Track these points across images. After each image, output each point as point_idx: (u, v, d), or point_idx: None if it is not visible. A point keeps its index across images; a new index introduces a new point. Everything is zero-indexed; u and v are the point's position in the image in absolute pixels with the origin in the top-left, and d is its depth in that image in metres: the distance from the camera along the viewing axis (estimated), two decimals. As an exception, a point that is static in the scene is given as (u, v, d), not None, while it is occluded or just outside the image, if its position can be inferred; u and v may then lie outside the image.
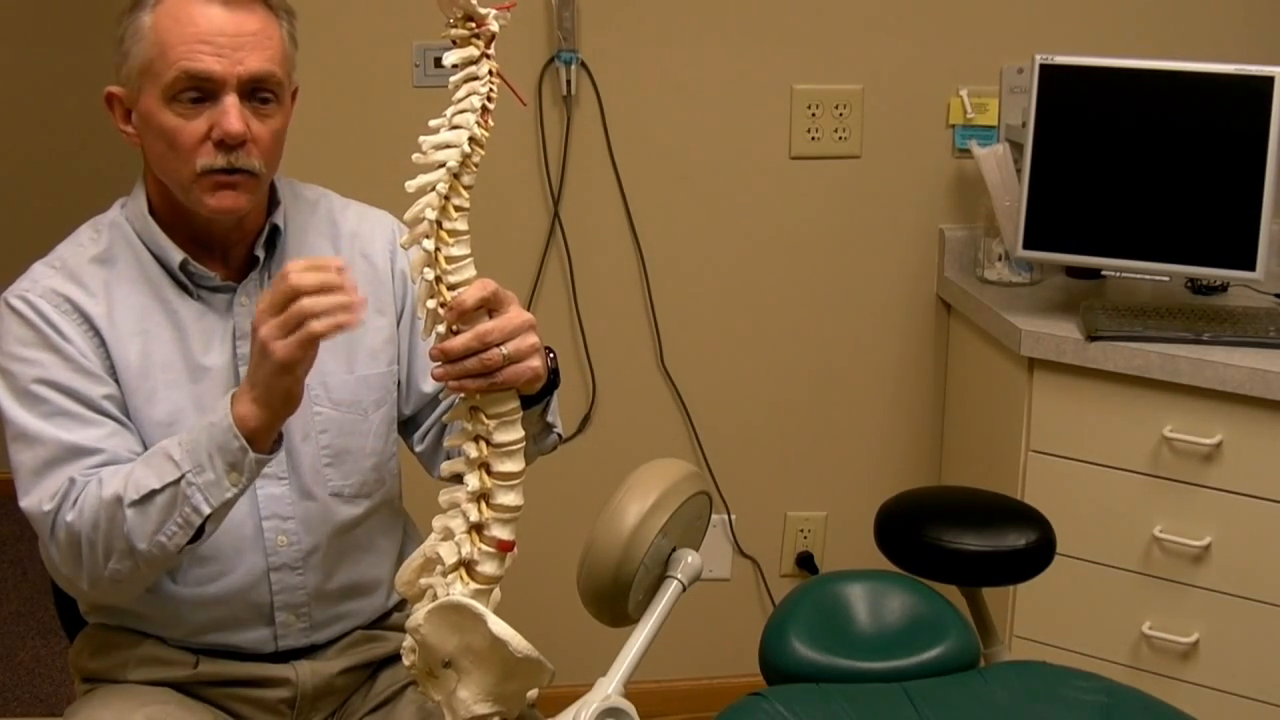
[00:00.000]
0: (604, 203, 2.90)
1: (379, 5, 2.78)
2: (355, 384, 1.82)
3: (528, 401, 1.63)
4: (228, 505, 1.63)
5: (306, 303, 1.50)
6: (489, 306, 1.54)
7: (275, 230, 1.79)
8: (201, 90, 1.64)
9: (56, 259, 1.75)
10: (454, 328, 1.53)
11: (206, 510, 1.60)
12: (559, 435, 1.87)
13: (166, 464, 1.60)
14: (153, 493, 1.59)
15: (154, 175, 1.74)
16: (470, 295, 1.52)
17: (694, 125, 2.91)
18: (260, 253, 1.77)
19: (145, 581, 1.69)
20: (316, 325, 1.50)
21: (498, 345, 1.53)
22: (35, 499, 1.65)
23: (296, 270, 1.51)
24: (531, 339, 1.56)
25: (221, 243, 1.76)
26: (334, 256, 1.50)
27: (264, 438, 1.60)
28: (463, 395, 1.56)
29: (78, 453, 1.65)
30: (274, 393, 1.56)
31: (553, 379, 1.71)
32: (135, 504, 1.60)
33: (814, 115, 2.93)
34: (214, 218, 1.70)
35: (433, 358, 1.54)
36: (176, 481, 1.59)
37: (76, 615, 1.87)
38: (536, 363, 1.57)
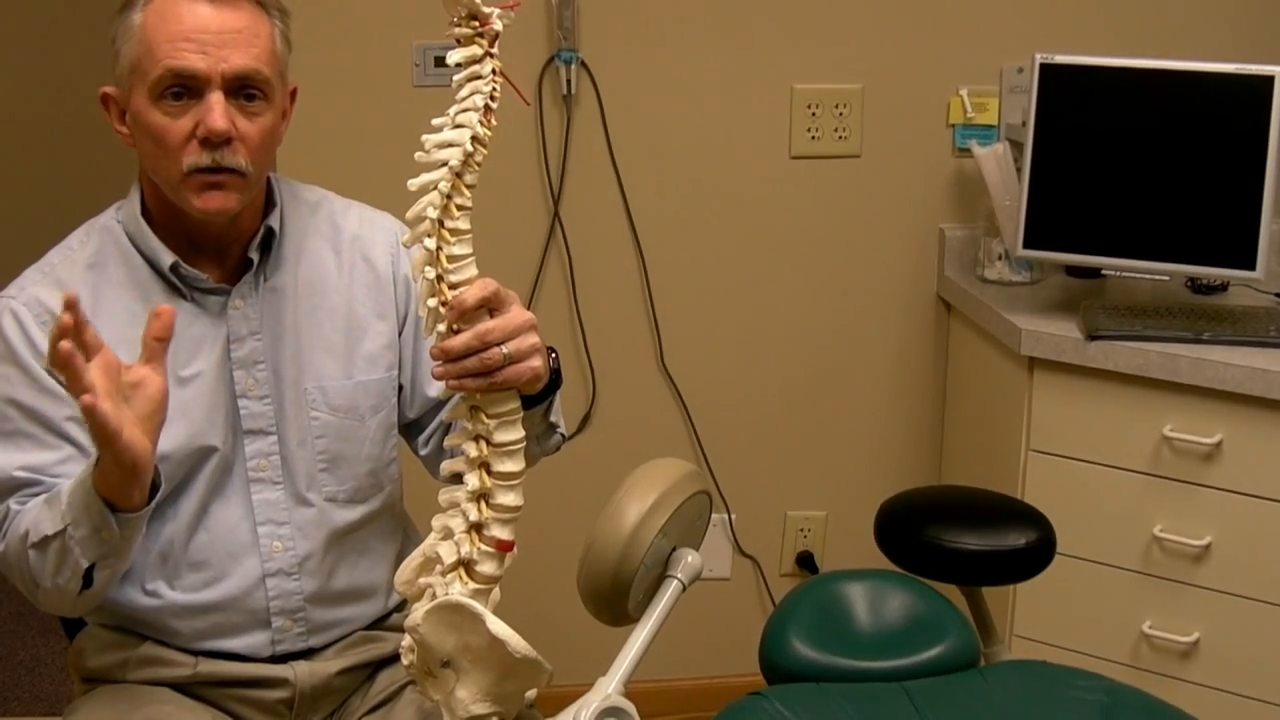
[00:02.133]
0: (604, 202, 2.90)
1: (379, 5, 2.78)
2: (353, 389, 1.81)
3: (530, 402, 1.63)
4: (117, 554, 1.61)
5: (63, 365, 1.43)
6: (490, 306, 1.54)
7: (270, 232, 1.78)
8: (186, 88, 1.64)
9: (46, 264, 1.75)
10: (455, 327, 1.53)
11: (85, 564, 1.59)
12: (562, 435, 1.86)
13: (56, 512, 1.59)
14: (46, 539, 1.59)
15: (148, 176, 1.74)
16: (471, 294, 1.51)
17: (694, 125, 2.91)
18: (254, 255, 1.77)
19: (85, 602, 1.67)
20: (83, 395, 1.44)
21: (498, 344, 1.53)
22: None
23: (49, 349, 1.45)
24: (533, 339, 1.56)
25: (215, 244, 1.75)
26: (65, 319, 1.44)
27: (123, 499, 1.55)
28: (463, 394, 1.56)
29: (19, 485, 1.66)
30: (105, 455, 1.50)
31: (555, 379, 1.71)
32: (35, 546, 1.60)
33: (814, 115, 2.93)
34: (204, 219, 1.69)
35: (433, 356, 1.54)
36: (61, 533, 1.58)
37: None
38: (537, 362, 1.57)
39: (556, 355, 1.70)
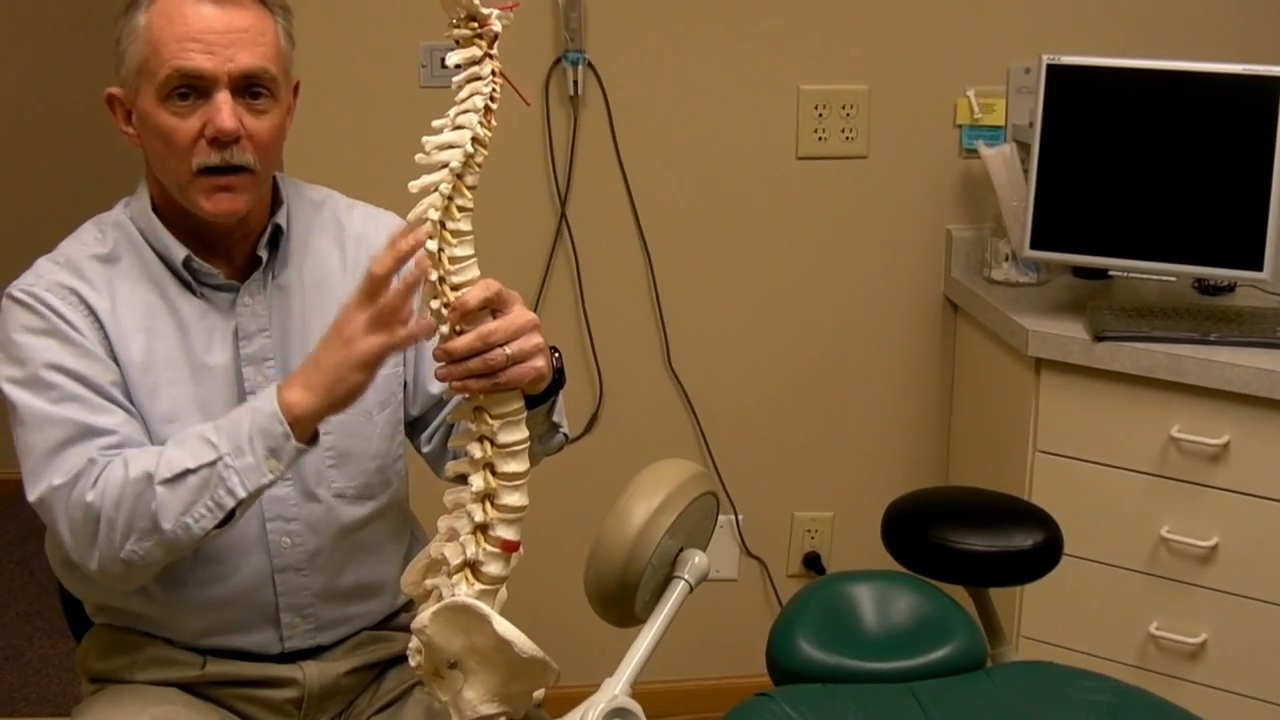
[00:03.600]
0: (611, 203, 2.91)
1: (385, 6, 2.78)
2: (359, 386, 1.81)
3: (533, 401, 1.63)
4: (260, 492, 1.62)
5: (398, 303, 1.54)
6: (493, 306, 1.54)
7: (278, 230, 1.78)
8: (194, 88, 1.64)
9: (61, 255, 1.75)
10: (457, 328, 1.53)
11: (242, 494, 1.59)
12: (565, 435, 1.86)
13: (202, 445, 1.60)
14: (186, 472, 1.58)
15: (156, 174, 1.74)
16: (473, 295, 1.52)
17: (701, 126, 2.91)
18: (263, 253, 1.77)
19: (155, 567, 1.67)
20: (402, 332, 1.54)
21: (501, 345, 1.53)
22: (45, 480, 1.63)
23: (379, 260, 1.53)
24: (535, 339, 1.56)
25: (224, 241, 1.76)
26: (420, 230, 1.52)
27: (307, 427, 1.59)
28: (467, 395, 1.56)
29: (92, 433, 1.64)
30: (341, 384, 1.57)
31: (558, 379, 1.71)
32: (167, 482, 1.58)
33: (821, 115, 2.93)
34: (213, 220, 1.70)
35: (436, 358, 1.54)
36: (213, 463, 1.58)
37: (83, 616, 1.87)
38: (540, 363, 1.57)
39: (560, 355, 1.71)
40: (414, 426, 1.92)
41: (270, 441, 1.59)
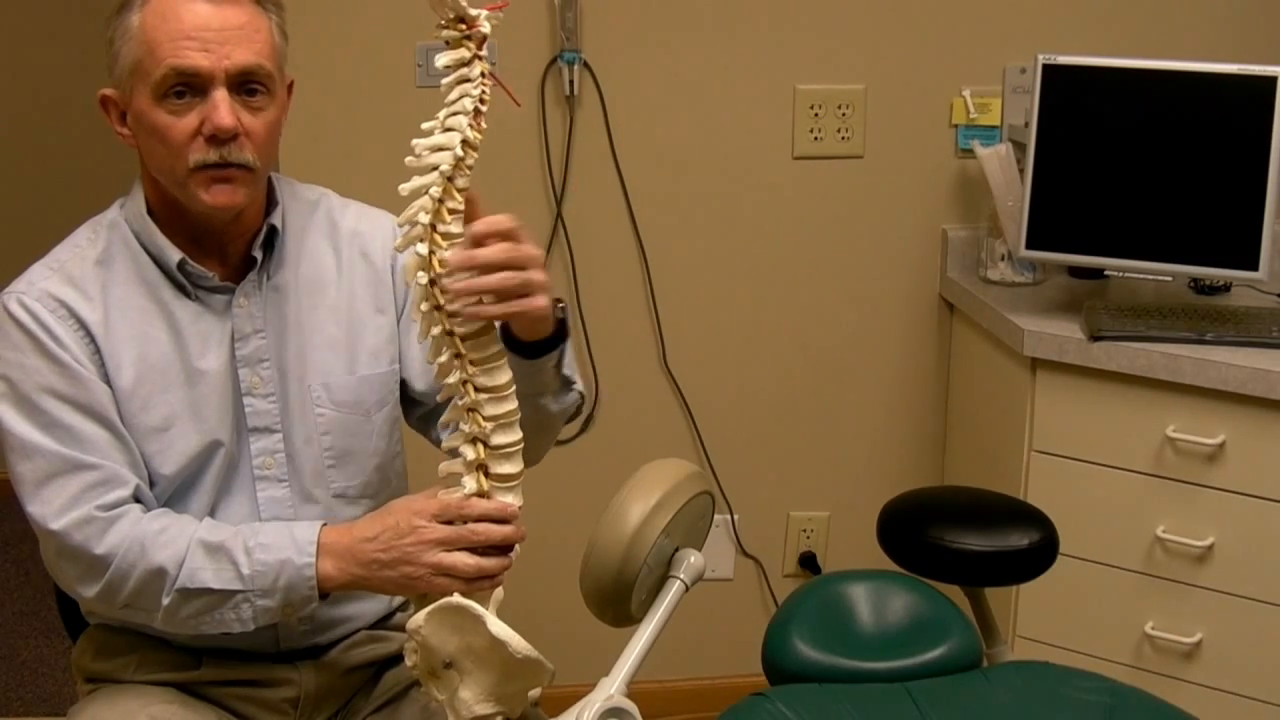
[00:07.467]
0: (606, 203, 2.90)
1: (382, 5, 2.78)
2: (357, 384, 1.81)
3: (537, 351, 1.64)
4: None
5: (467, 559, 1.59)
6: (511, 240, 1.55)
7: (273, 230, 1.78)
8: (190, 86, 1.64)
9: (54, 261, 1.74)
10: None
11: (251, 626, 1.67)
12: (580, 393, 1.83)
13: (230, 571, 1.64)
14: (207, 591, 1.64)
15: (150, 175, 1.74)
16: (504, 218, 1.54)
17: (697, 125, 2.91)
18: (258, 253, 1.77)
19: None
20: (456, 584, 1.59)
21: (521, 269, 1.55)
22: (40, 511, 1.65)
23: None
24: (543, 275, 1.59)
25: (219, 242, 1.75)
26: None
27: (330, 592, 1.67)
28: (459, 390, 1.55)
29: (76, 465, 1.65)
30: (383, 586, 1.65)
31: (562, 329, 1.70)
32: (184, 591, 1.64)
33: (817, 115, 2.93)
34: (211, 214, 1.69)
35: (457, 268, 1.52)
36: (235, 593, 1.64)
37: (79, 616, 1.87)
38: (544, 300, 1.59)
39: (564, 306, 1.71)
40: (427, 421, 1.89)
41: (294, 595, 1.65)
